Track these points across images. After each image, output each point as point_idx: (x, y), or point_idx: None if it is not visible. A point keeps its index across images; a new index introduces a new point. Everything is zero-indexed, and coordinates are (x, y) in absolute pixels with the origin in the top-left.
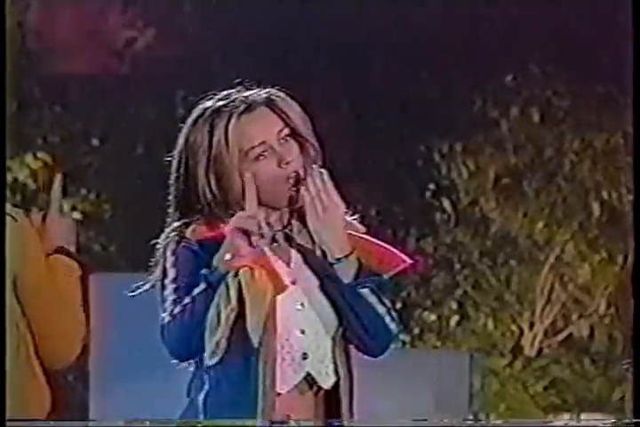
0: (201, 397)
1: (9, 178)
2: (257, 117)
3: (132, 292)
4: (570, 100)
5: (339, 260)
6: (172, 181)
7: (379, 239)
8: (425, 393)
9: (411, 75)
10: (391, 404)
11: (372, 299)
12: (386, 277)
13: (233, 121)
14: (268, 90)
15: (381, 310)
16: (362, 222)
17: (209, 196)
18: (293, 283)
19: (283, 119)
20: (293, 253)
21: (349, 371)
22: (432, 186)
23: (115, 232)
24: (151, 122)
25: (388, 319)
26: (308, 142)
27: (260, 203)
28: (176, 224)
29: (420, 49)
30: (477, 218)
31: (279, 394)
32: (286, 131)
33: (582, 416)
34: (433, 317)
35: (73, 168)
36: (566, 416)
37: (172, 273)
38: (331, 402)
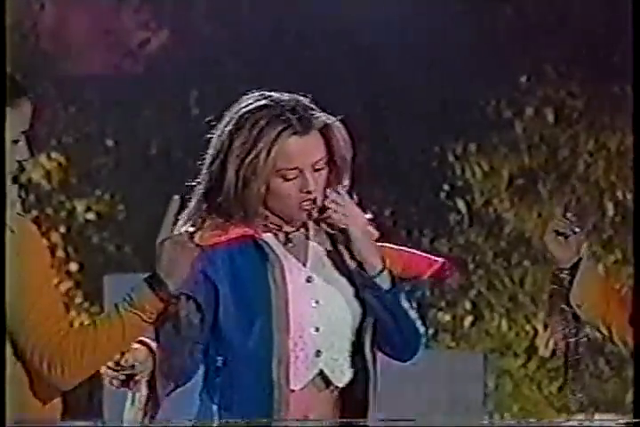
0: (215, 399)
1: (23, 178)
2: (305, 143)
3: None
4: (584, 101)
5: (379, 274)
6: (204, 170)
7: (393, 240)
8: (439, 394)
9: (424, 75)
10: (405, 404)
11: (406, 304)
12: (420, 281)
13: (281, 139)
14: (327, 116)
15: (413, 314)
16: (376, 225)
17: (232, 194)
18: (308, 281)
19: (328, 147)
20: (310, 252)
21: (367, 370)
22: (446, 186)
23: (129, 233)
24: (165, 123)
25: (418, 324)
26: (340, 173)
27: (273, 212)
28: (183, 230)
29: (434, 49)
30: (491, 218)
31: (293, 391)
32: (325, 158)
33: (596, 417)
34: (447, 317)
35: (87, 169)
36: (580, 417)
37: None
38: (348, 400)
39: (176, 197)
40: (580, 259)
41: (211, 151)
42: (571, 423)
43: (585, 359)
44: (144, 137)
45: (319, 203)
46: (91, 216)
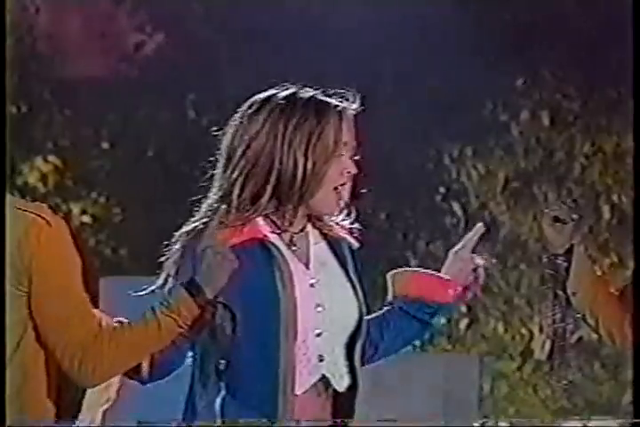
0: (217, 401)
1: (19, 181)
2: (352, 121)
3: (138, 292)
4: (580, 104)
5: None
6: (233, 166)
7: (389, 242)
8: (434, 396)
9: (421, 78)
10: (401, 407)
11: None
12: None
13: (347, 113)
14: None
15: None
16: (369, 228)
17: (300, 172)
18: (312, 285)
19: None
20: (312, 256)
21: (357, 375)
22: (442, 189)
23: (125, 236)
24: (161, 125)
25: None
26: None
27: (307, 205)
28: (191, 229)
29: (430, 52)
30: (487, 221)
31: (295, 395)
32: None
33: (592, 420)
34: (443, 320)
35: (83, 172)
36: (576, 420)
37: (170, 284)
38: (339, 405)
39: (224, 205)
40: (573, 246)
41: (259, 144)
42: (569, 424)
43: (571, 347)
44: (140, 140)
45: (348, 193)
46: (86, 219)
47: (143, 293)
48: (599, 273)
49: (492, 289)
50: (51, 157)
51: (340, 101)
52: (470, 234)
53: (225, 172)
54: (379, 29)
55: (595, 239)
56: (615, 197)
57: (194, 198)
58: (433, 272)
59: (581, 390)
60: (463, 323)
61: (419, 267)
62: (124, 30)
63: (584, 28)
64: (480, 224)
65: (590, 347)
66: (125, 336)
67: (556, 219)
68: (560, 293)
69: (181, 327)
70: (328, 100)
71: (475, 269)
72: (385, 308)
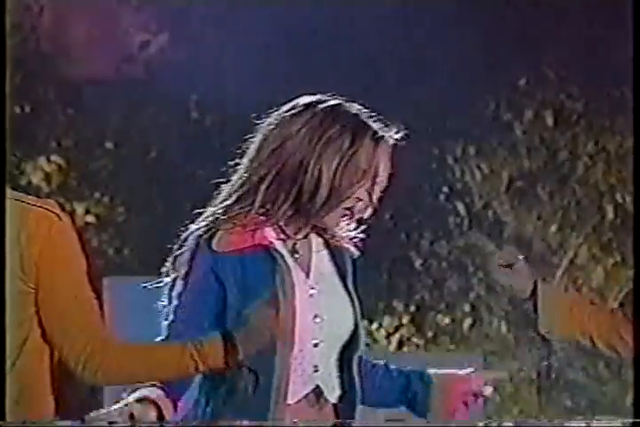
0: (209, 408)
1: (22, 181)
2: (387, 156)
3: (147, 285)
4: (583, 104)
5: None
6: (252, 170)
7: (392, 242)
8: None
9: (424, 77)
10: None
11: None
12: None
13: (385, 142)
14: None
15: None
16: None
17: (323, 190)
18: (311, 296)
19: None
20: (313, 265)
21: (354, 385)
22: (445, 189)
23: (129, 236)
24: (165, 126)
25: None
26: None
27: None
28: (202, 228)
29: (434, 51)
30: (491, 221)
31: (289, 405)
32: (377, 181)
33: (595, 420)
34: (447, 320)
35: (87, 171)
36: (579, 420)
37: (179, 286)
38: (338, 414)
39: (242, 206)
40: (536, 285)
41: (267, 149)
42: (571, 424)
43: (559, 380)
44: (144, 140)
45: (356, 216)
46: (90, 219)
47: (152, 285)
48: (576, 295)
49: (496, 289)
50: (54, 157)
51: (382, 129)
52: (498, 373)
53: (251, 165)
54: (380, 29)
55: (598, 239)
56: (619, 197)
57: (217, 181)
58: (468, 391)
59: (585, 390)
60: (467, 323)
61: (421, 266)
62: (127, 30)
63: (588, 27)
64: (506, 373)
65: (594, 347)
66: (144, 353)
67: (501, 264)
68: (534, 334)
69: (197, 372)
70: (370, 123)
71: (475, 395)
72: (392, 366)
